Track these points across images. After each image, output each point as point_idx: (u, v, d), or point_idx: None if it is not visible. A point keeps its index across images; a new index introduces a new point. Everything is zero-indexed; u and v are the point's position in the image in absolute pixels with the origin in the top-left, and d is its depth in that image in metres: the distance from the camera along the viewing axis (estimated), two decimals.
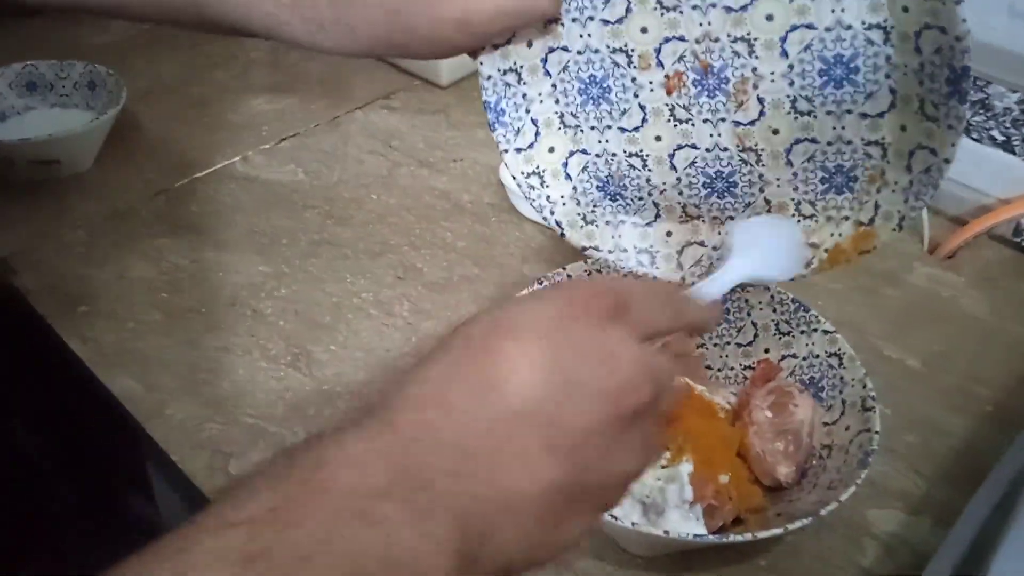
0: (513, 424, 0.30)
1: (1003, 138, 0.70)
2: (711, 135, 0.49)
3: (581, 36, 0.47)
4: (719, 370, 0.57)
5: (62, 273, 0.66)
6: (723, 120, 0.48)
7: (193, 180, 0.76)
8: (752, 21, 0.45)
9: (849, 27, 0.43)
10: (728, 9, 0.44)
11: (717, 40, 0.45)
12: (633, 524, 0.43)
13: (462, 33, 0.44)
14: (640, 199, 0.51)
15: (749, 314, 0.56)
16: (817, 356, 0.53)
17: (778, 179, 0.49)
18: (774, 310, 0.55)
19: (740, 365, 0.56)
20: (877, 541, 0.51)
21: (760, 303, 0.55)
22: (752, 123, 0.47)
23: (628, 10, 0.45)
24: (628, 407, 0.32)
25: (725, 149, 0.49)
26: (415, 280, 0.67)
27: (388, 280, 0.67)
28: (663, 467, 0.47)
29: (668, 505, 0.46)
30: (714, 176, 0.50)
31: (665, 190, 0.51)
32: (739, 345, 0.56)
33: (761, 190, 0.49)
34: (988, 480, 0.47)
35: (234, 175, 0.77)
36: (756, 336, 0.56)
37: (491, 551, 0.30)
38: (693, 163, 0.50)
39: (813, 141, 0.47)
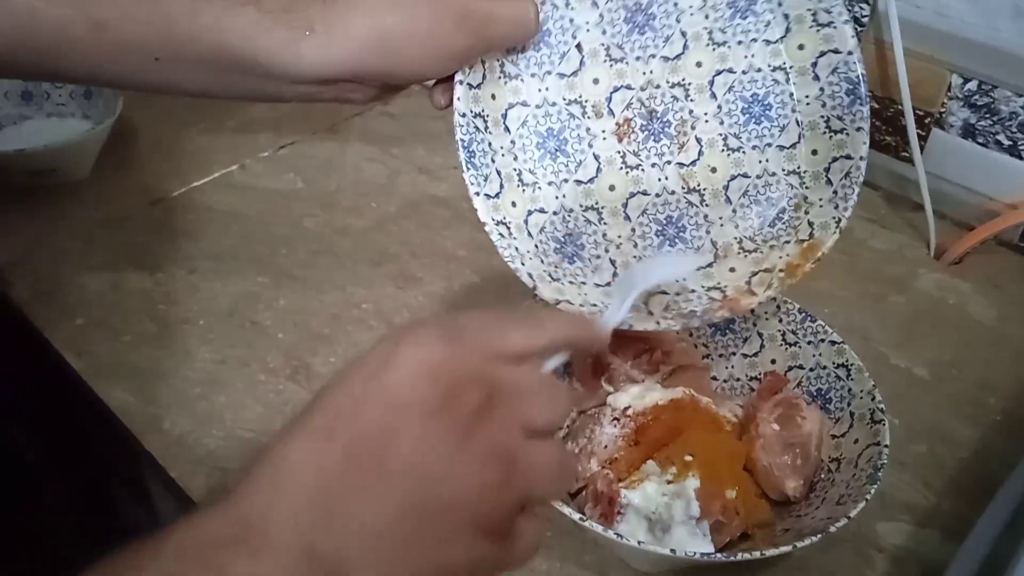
0: (344, 462, 0.31)
1: (1009, 142, 0.69)
2: (659, 179, 0.52)
3: (539, 91, 0.50)
4: (724, 381, 0.56)
5: (57, 283, 0.65)
6: (668, 163, 0.52)
7: (190, 189, 0.75)
8: (685, 68, 0.51)
9: (759, 69, 0.50)
10: (665, 58, 0.50)
11: (658, 87, 0.51)
12: (640, 543, 0.42)
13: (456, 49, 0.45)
14: (597, 257, 0.52)
15: (755, 324, 0.55)
16: (824, 367, 0.52)
17: (721, 218, 0.52)
18: (780, 320, 0.54)
19: (746, 376, 0.55)
20: (885, 554, 0.50)
21: (766, 313, 0.55)
22: (693, 163, 0.52)
23: (581, 63, 0.49)
24: (456, 413, 0.32)
25: (672, 192, 0.53)
26: (415, 290, 0.66)
27: (388, 290, 0.66)
28: (669, 483, 0.46)
29: (674, 521, 0.45)
30: (664, 222, 0.53)
31: (621, 243, 0.52)
32: (745, 356, 0.55)
33: (708, 231, 0.53)
34: (1000, 494, 0.46)
35: (232, 183, 0.76)
36: (762, 346, 0.55)
37: None
38: (645, 211, 0.53)
39: (745, 176, 0.52)
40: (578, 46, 0.50)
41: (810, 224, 0.50)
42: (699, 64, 0.51)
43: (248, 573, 0.28)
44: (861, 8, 0.73)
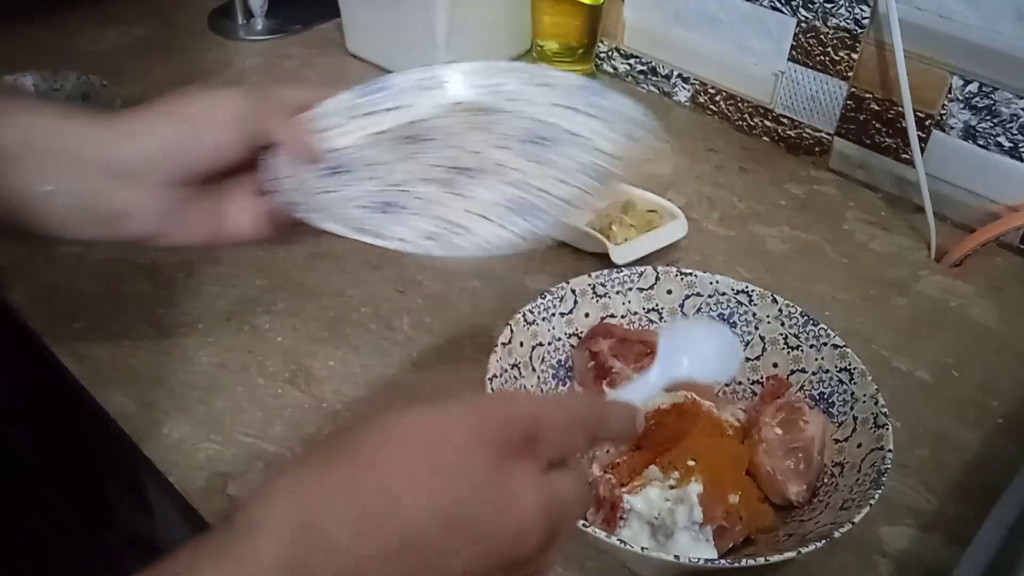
0: (387, 565, 0.29)
1: (1010, 145, 0.69)
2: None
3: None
4: (727, 385, 0.56)
5: (56, 287, 0.65)
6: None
7: None
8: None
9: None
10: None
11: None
12: (643, 549, 0.41)
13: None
14: None
15: (757, 327, 0.55)
16: (827, 371, 0.52)
17: None
18: (782, 323, 0.54)
19: (748, 380, 0.55)
20: (889, 559, 0.50)
21: (768, 316, 0.54)
22: None
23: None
24: (515, 554, 0.31)
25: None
26: (415, 293, 0.66)
27: (387, 293, 0.65)
28: (672, 488, 0.46)
29: (677, 527, 0.45)
30: None
31: None
32: (747, 359, 0.55)
33: None
34: (1004, 498, 0.46)
35: None
36: (764, 350, 0.55)
37: None
38: None
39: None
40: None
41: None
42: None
43: None
44: (862, 10, 0.73)
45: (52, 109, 0.47)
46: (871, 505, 0.43)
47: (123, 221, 0.46)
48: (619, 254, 0.64)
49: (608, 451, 0.49)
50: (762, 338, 0.55)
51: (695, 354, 0.46)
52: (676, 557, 0.41)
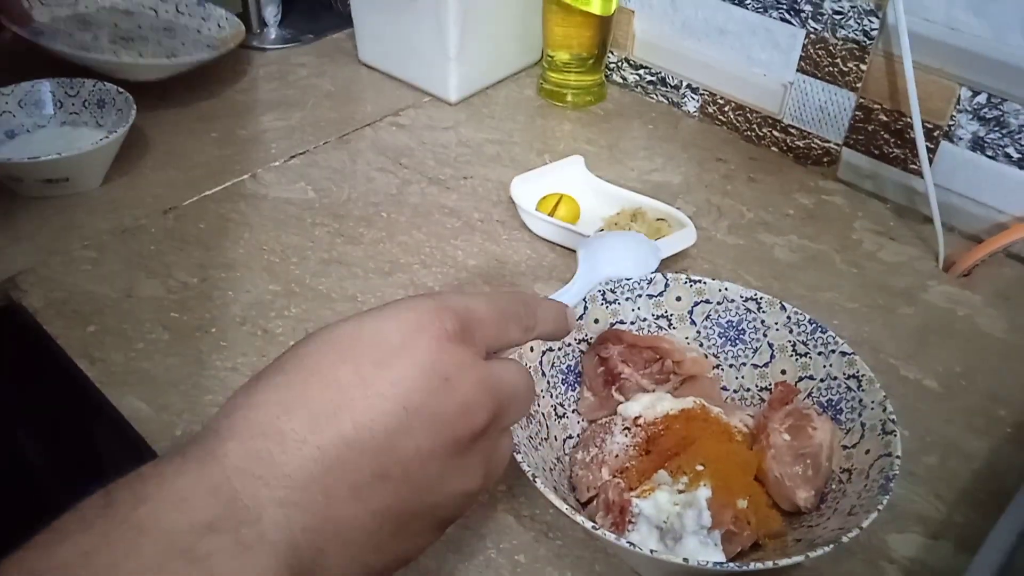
0: (345, 453, 0.30)
1: (1019, 155, 0.70)
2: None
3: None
4: (735, 391, 0.56)
5: (70, 291, 0.65)
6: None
7: (202, 197, 0.76)
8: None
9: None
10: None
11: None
12: (652, 551, 0.42)
13: None
14: None
15: (765, 335, 0.55)
16: (835, 378, 0.52)
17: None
18: (790, 331, 0.54)
19: (756, 386, 0.55)
20: (897, 566, 0.50)
21: (776, 323, 0.55)
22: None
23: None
24: (466, 431, 0.33)
25: None
26: None
27: (399, 299, 0.66)
28: (680, 492, 0.46)
29: (686, 531, 0.45)
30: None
31: None
32: (755, 366, 0.55)
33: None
34: (1012, 505, 0.46)
35: (243, 193, 0.77)
36: (773, 357, 0.55)
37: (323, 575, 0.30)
38: None
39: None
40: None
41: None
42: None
43: (234, 571, 0.27)
44: (871, 21, 0.73)
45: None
46: (879, 510, 0.43)
47: None
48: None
49: (617, 456, 0.49)
50: (771, 345, 0.55)
51: (610, 254, 0.56)
52: (685, 560, 0.41)
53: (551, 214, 0.71)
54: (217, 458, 0.29)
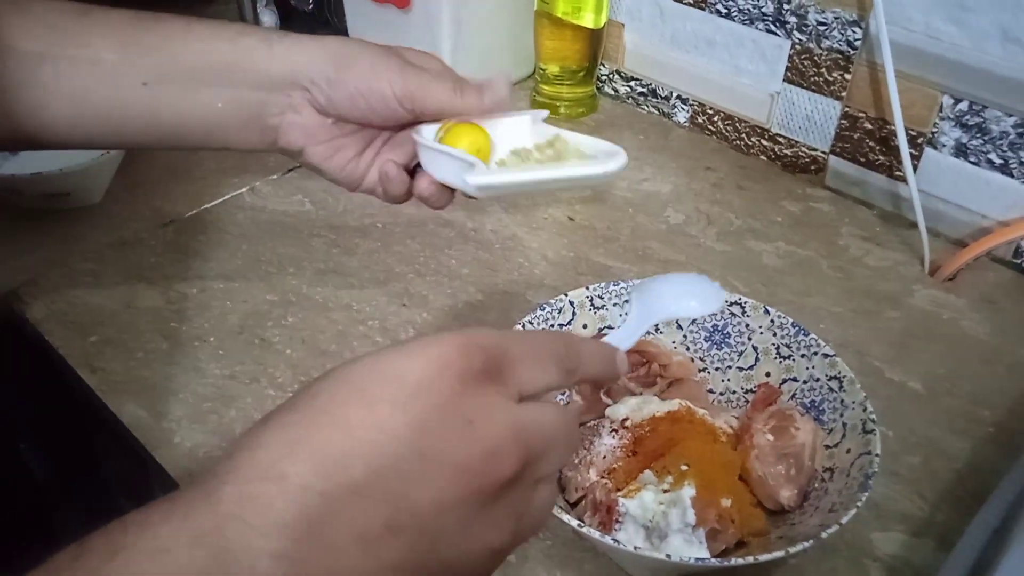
0: (353, 500, 0.27)
1: (1001, 161, 0.71)
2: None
3: None
4: (721, 394, 0.57)
5: (72, 303, 0.67)
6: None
7: (201, 210, 0.77)
8: None
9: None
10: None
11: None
12: (636, 548, 0.43)
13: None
14: None
15: (750, 338, 0.56)
16: (818, 380, 0.53)
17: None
18: (774, 334, 0.56)
19: (742, 388, 0.57)
20: (880, 564, 0.51)
21: (760, 327, 0.56)
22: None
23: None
24: (491, 480, 0.29)
25: None
26: (420, 307, 0.68)
27: (393, 308, 0.67)
28: (665, 492, 0.48)
29: (671, 529, 0.46)
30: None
31: None
32: (740, 369, 0.57)
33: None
34: (989, 502, 0.47)
35: (242, 205, 0.78)
36: (757, 360, 0.56)
37: None
38: None
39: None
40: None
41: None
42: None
43: None
44: (854, 32, 0.75)
45: (224, 31, 0.52)
46: (859, 507, 0.44)
47: (280, 133, 0.54)
48: (476, 175, 0.50)
49: (604, 457, 0.51)
50: (755, 348, 0.56)
51: (668, 294, 0.47)
52: (668, 556, 0.42)
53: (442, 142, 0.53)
54: (211, 504, 0.26)
